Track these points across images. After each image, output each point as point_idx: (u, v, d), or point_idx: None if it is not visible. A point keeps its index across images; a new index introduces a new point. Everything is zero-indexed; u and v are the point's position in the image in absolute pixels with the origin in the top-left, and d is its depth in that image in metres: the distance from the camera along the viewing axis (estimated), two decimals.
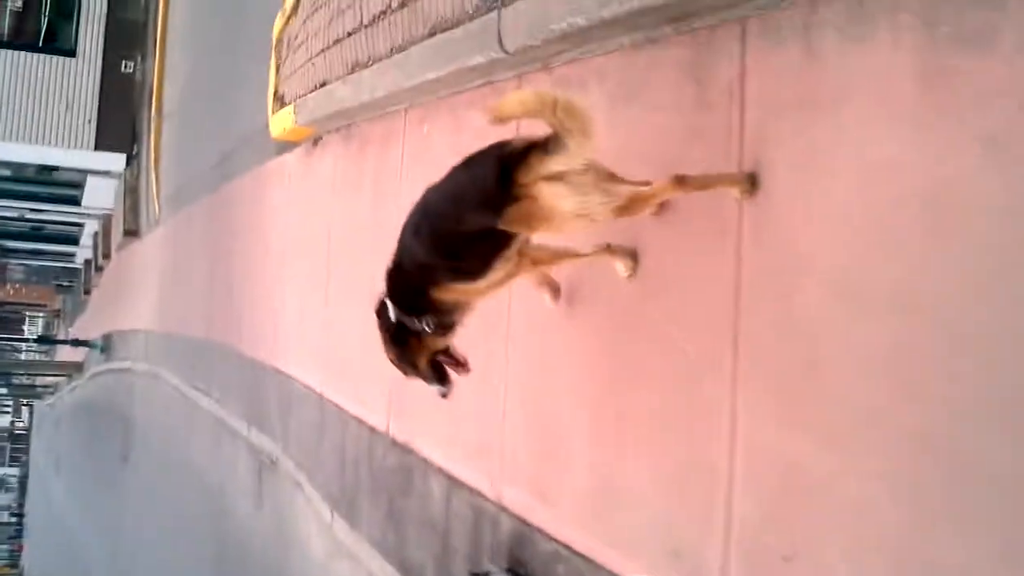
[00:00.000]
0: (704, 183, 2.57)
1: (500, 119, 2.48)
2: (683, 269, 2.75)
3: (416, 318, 2.83)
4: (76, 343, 26.73)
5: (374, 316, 2.96)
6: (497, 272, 2.77)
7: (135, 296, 18.33)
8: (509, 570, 3.41)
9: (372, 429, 5.09)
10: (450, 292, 2.79)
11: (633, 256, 2.91)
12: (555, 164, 2.42)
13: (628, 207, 2.57)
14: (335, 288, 6.21)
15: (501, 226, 2.60)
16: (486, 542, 3.70)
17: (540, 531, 3.33)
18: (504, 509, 3.61)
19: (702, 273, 2.68)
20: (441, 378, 2.99)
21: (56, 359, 32.91)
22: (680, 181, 2.53)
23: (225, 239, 10.21)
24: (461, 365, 2.98)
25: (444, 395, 3.01)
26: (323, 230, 6.55)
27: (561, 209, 2.51)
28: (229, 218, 10.00)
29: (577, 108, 2.35)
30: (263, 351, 8.07)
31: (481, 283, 2.78)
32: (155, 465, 14.19)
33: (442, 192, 2.72)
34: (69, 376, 30.64)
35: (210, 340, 10.53)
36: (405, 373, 3.03)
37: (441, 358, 2.96)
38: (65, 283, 39.36)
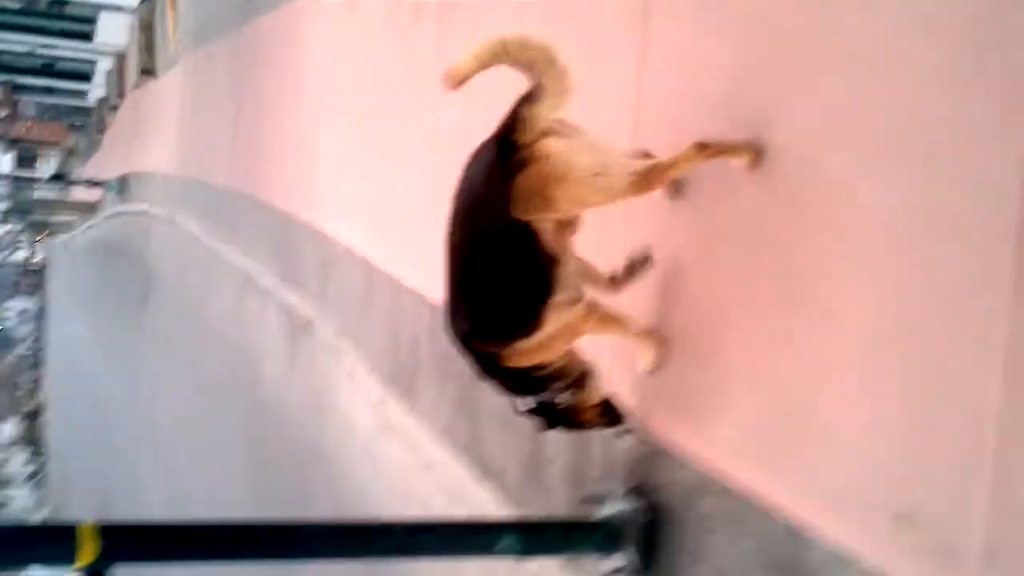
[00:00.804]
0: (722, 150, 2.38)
1: (458, 81, 2.18)
2: None
3: (535, 397, 2.65)
4: (91, 183, 26.03)
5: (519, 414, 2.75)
6: (551, 319, 2.42)
7: (152, 138, 17.49)
8: (634, 493, 2.76)
9: (435, 308, 4.39)
10: (522, 357, 2.50)
11: None
12: (547, 109, 2.17)
13: (647, 176, 2.28)
14: (387, 141, 5.43)
15: (515, 212, 2.22)
16: (595, 456, 3.05)
17: (678, 454, 2.67)
18: None
19: None
20: (615, 421, 2.77)
21: (70, 199, 32.24)
22: (702, 148, 2.32)
23: (252, 81, 9.33)
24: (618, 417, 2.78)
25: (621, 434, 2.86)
26: (371, 72, 5.71)
27: (577, 164, 2.20)
28: (257, 58, 9.09)
29: (531, 41, 2.14)
30: (297, 205, 7.34)
31: (539, 335, 2.44)
32: (175, 313, 13.66)
33: (454, 220, 2.38)
34: (84, 216, 30.09)
35: (234, 189, 9.78)
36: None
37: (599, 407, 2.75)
38: (78, 122, 38.31)
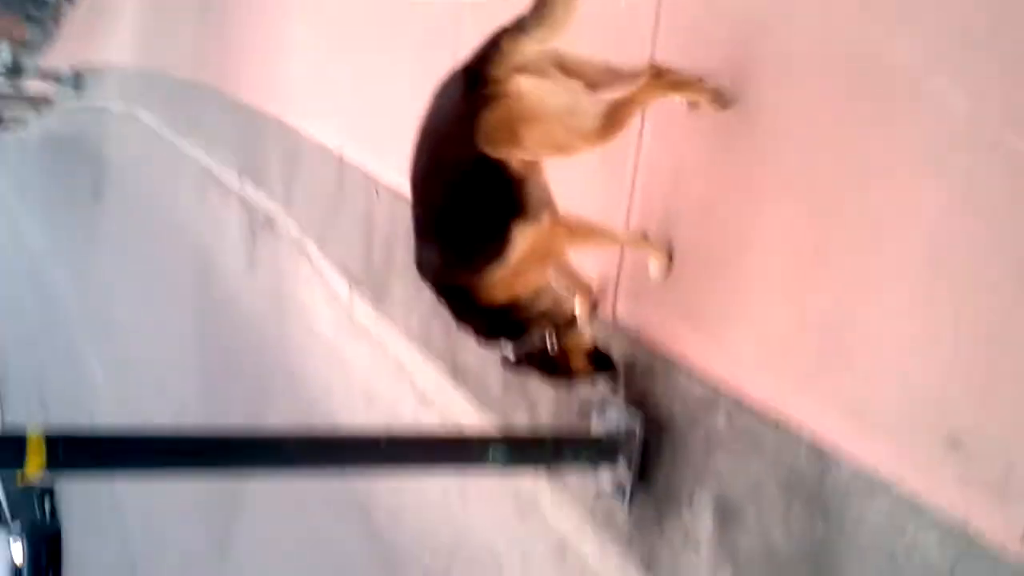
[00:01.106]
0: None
1: None
2: None
3: (519, 340, 2.42)
4: (46, 76, 24.98)
5: (506, 366, 2.55)
6: (520, 238, 2.25)
7: (111, 27, 16.71)
8: (634, 405, 2.54)
9: None
10: (497, 287, 2.30)
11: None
12: (534, 42, 2.06)
13: (612, 115, 2.15)
14: (366, 31, 5.05)
15: (481, 145, 2.11)
16: None
17: (685, 366, 2.44)
18: (620, 328, 2.70)
19: None
20: (604, 367, 2.55)
21: (24, 94, 30.97)
22: (658, 75, 2.22)
23: None
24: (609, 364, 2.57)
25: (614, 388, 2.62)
26: None
27: (548, 106, 2.10)
28: None
29: None
30: (265, 98, 6.92)
31: (511, 257, 2.26)
32: (130, 209, 13.16)
33: (419, 149, 2.25)
34: (37, 110, 28.96)
35: (198, 81, 9.28)
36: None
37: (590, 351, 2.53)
38: (34, 13, 36.64)
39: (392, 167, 4.35)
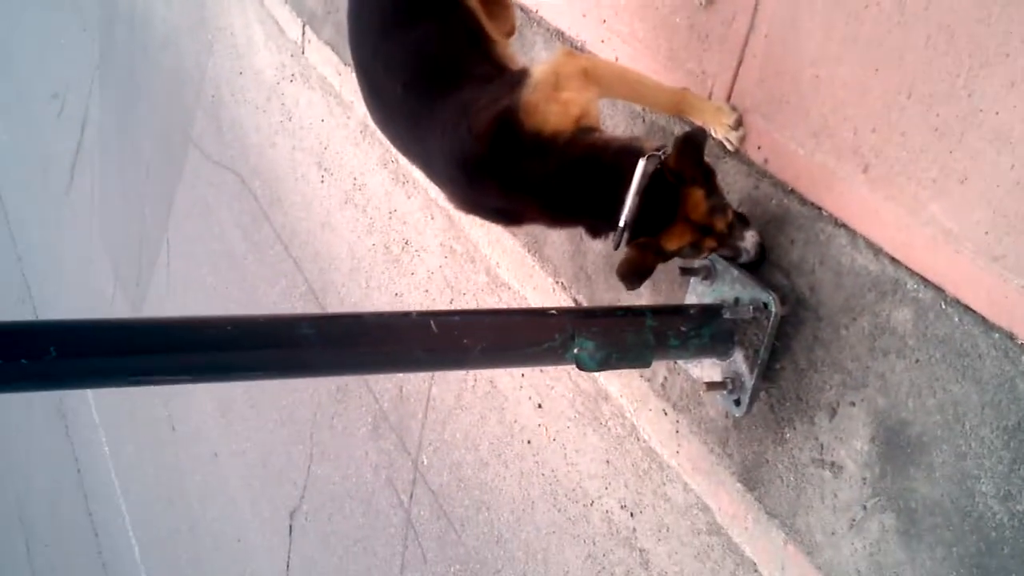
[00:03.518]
0: None
1: None
2: None
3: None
4: None
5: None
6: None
7: None
8: (763, 272, 1.76)
9: None
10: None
11: None
12: None
13: None
14: None
15: None
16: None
17: (849, 226, 1.65)
18: (748, 161, 1.87)
19: None
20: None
21: None
22: None
23: None
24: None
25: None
26: None
27: None
28: None
29: None
30: None
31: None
32: None
33: None
34: None
35: None
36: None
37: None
38: None
39: None
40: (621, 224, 1.57)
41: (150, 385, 1.39)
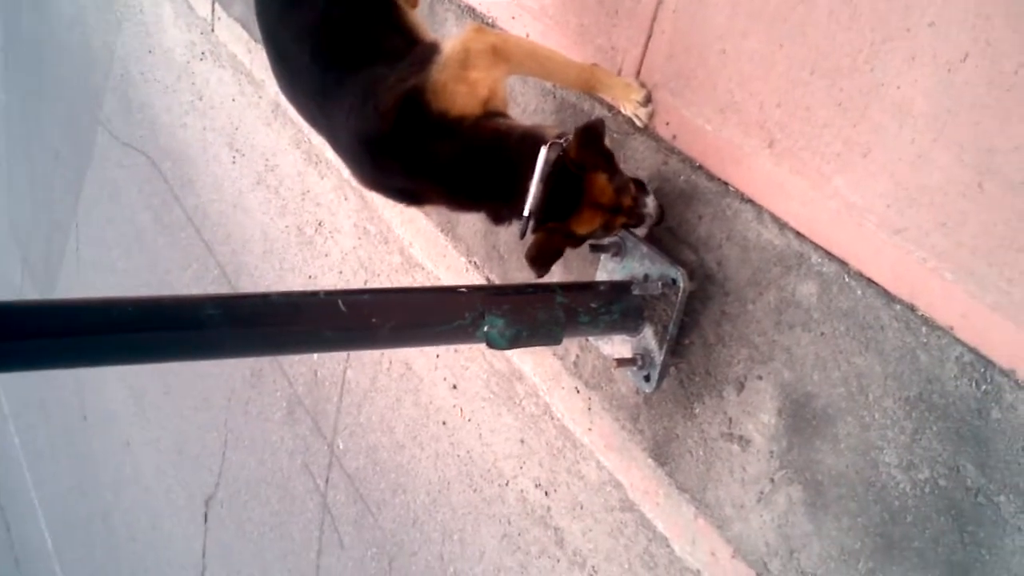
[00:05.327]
0: None
1: None
2: None
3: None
4: None
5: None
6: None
7: None
8: (672, 247, 1.73)
9: None
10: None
11: None
12: None
13: None
14: None
15: None
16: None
17: (756, 199, 1.63)
18: (655, 137, 1.83)
19: None
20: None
21: None
22: None
23: None
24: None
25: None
26: None
27: None
28: None
29: None
30: None
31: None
32: None
33: None
34: None
35: None
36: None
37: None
38: None
39: None
40: (526, 213, 1.54)
41: (52, 368, 1.30)
